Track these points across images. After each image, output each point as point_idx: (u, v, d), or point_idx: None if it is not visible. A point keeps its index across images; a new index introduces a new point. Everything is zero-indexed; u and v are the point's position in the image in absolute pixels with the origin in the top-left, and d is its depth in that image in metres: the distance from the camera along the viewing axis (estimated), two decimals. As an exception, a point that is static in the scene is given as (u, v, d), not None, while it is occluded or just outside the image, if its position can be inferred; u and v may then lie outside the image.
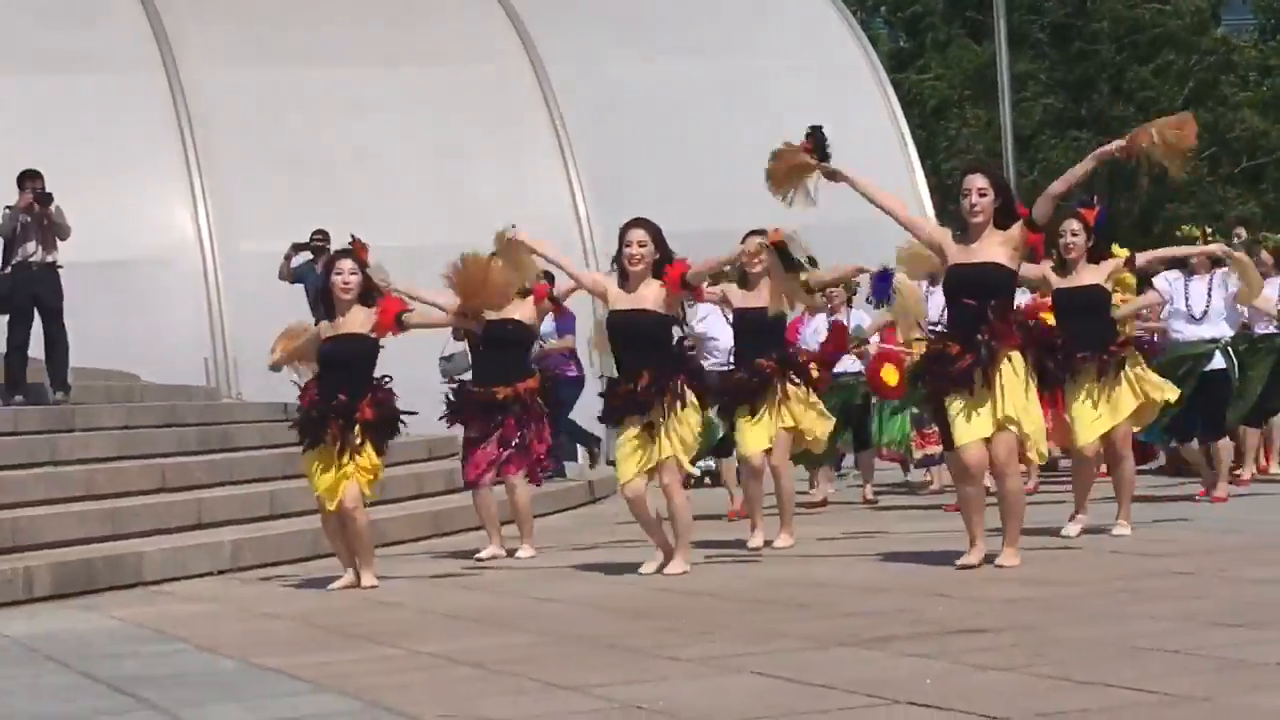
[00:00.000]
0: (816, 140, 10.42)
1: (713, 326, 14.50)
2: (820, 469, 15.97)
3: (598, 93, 24.68)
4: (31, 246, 16.02)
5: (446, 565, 11.95)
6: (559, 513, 16.00)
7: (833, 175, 10.40)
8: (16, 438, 14.01)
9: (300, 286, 18.27)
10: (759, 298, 11.74)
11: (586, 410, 14.71)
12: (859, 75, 26.16)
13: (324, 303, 11.08)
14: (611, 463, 16.29)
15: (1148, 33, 42.02)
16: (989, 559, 9.95)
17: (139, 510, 12.65)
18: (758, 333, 11.84)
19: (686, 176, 23.55)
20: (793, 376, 11.92)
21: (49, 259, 16.11)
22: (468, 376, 12.76)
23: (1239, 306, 14.07)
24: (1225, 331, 14.24)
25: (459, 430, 12.58)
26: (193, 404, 17.44)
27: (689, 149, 24.32)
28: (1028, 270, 11.14)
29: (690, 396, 10.47)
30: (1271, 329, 14.66)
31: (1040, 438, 10.14)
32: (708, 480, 18.35)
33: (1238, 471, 15.21)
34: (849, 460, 17.28)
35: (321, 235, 18.49)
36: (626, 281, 10.61)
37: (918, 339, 11.71)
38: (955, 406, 9.98)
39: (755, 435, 11.87)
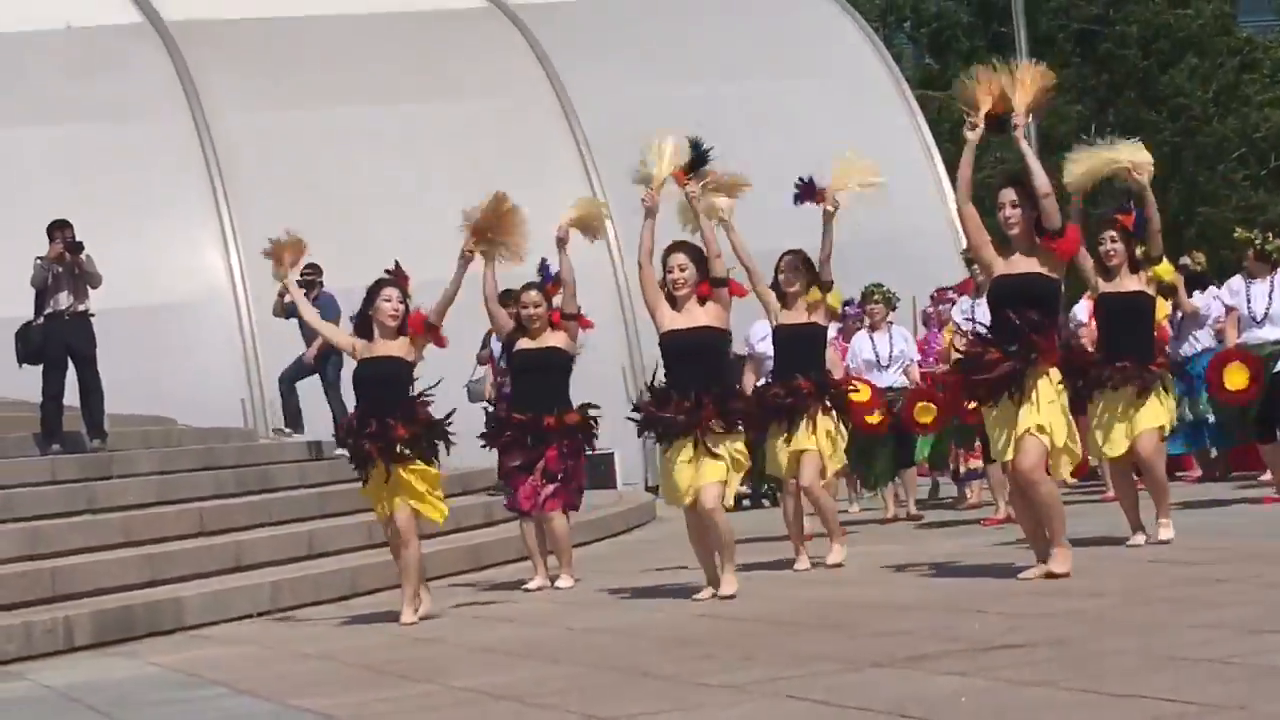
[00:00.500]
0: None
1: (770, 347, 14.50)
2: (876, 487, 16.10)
3: (622, 119, 24.62)
4: (64, 296, 16.09)
5: (483, 598, 11.95)
6: (596, 541, 15.98)
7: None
8: (55, 486, 14.07)
9: (295, 321, 18.42)
10: (797, 314, 11.82)
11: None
12: (883, 92, 26.17)
13: (363, 327, 11.11)
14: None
15: (1172, 36, 41.96)
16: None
17: (177, 555, 12.68)
18: (796, 350, 11.90)
19: (715, 199, 23.52)
20: (827, 402, 11.96)
21: (81, 308, 16.17)
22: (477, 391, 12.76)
23: None
24: None
25: (492, 460, 12.60)
26: (229, 446, 17.48)
27: (716, 169, 24.26)
28: (1084, 265, 11.26)
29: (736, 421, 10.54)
30: None
31: (1060, 457, 10.08)
32: (746, 503, 18.38)
33: None
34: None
35: (312, 269, 18.56)
36: (675, 303, 10.68)
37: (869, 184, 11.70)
38: (990, 420, 10.04)
39: (785, 457, 11.94)
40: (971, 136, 10.42)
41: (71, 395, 16.22)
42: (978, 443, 15.19)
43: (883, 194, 11.64)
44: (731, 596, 10.44)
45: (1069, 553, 10.00)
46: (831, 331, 14.09)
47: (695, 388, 10.47)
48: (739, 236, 11.72)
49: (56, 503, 13.55)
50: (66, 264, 16.02)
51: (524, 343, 12.28)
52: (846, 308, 15.47)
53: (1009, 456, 10.00)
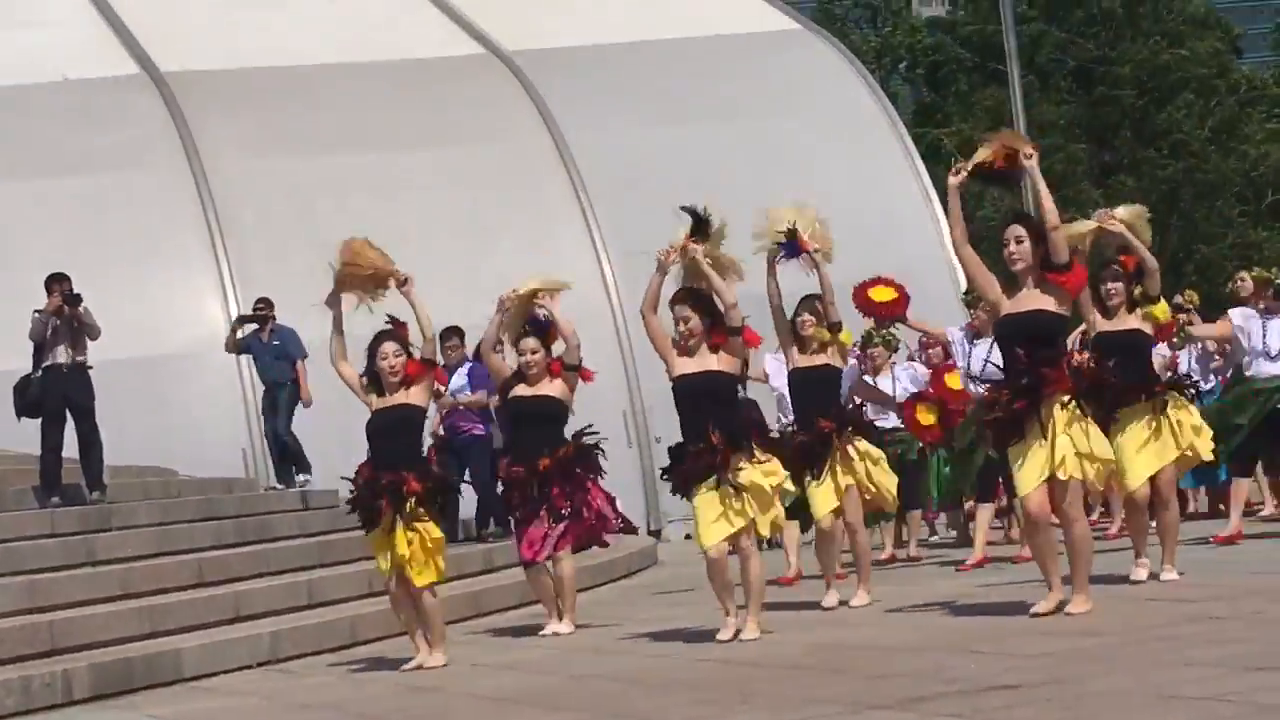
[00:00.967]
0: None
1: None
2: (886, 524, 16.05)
3: (620, 164, 24.74)
4: (62, 349, 16.10)
5: (484, 644, 11.94)
6: (597, 586, 15.96)
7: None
8: (55, 539, 14.08)
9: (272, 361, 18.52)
10: (813, 357, 11.88)
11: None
12: (879, 132, 26.19)
13: (374, 380, 11.10)
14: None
15: (1168, 76, 42.08)
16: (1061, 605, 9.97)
17: (176, 606, 12.66)
18: (815, 392, 11.94)
19: (714, 241, 23.55)
20: (852, 433, 12.00)
21: (79, 360, 16.19)
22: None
23: None
24: None
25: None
26: (229, 497, 17.47)
27: (715, 213, 24.31)
28: (1084, 303, 11.31)
29: (761, 455, 10.57)
30: None
31: (1093, 472, 10.09)
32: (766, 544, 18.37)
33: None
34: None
35: (264, 304, 18.65)
36: (686, 351, 10.74)
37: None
38: (1014, 455, 10.10)
39: (823, 498, 11.97)
40: (953, 181, 10.43)
41: (71, 448, 16.23)
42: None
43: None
44: (755, 639, 10.41)
45: (1089, 595, 9.99)
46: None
47: (709, 427, 10.48)
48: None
49: (56, 555, 13.56)
50: (65, 317, 16.04)
51: (521, 389, 12.28)
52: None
53: (1029, 490, 9.98)
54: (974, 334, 14.46)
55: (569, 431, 12.34)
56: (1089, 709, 6.71)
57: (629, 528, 13.48)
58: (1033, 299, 10.14)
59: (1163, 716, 6.41)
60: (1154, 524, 11.81)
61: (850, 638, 10.40)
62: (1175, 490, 11.91)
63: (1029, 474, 10.00)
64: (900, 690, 7.68)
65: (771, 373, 14.81)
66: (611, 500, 12.51)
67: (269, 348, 18.63)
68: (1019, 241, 10.18)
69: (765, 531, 10.80)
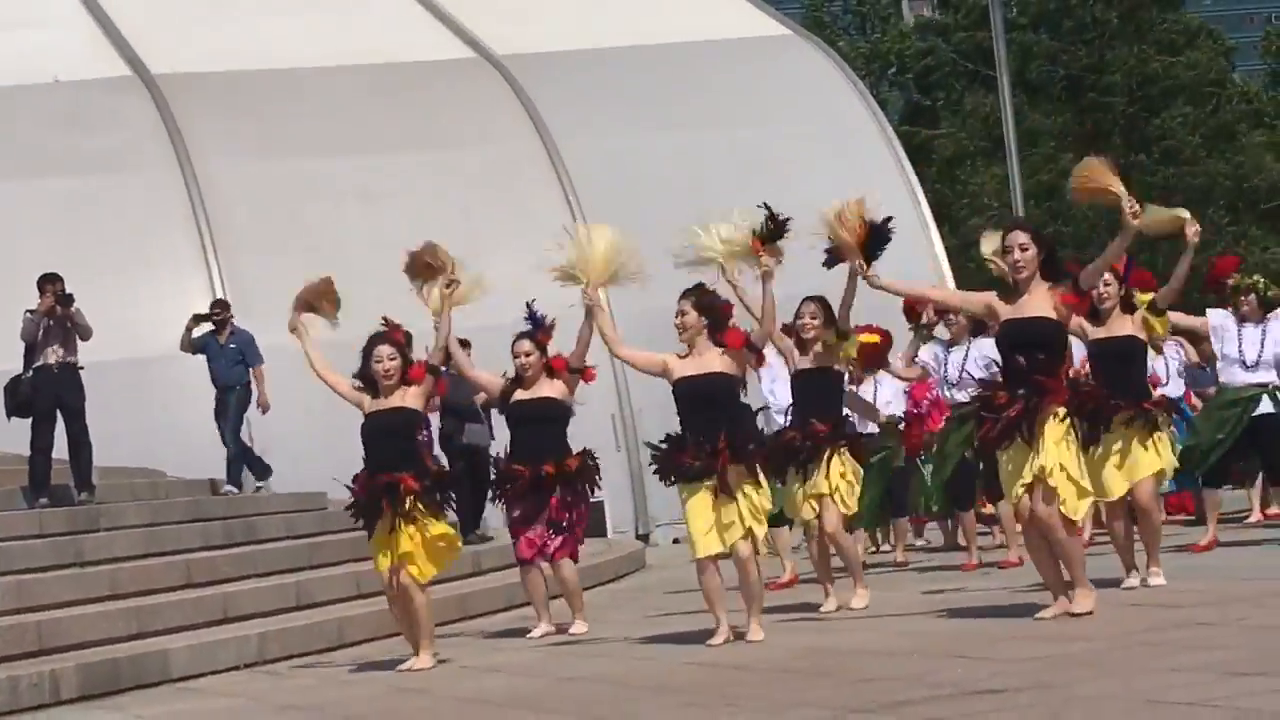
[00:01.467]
0: (873, 232, 10.62)
1: (782, 391, 14.49)
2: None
3: (610, 168, 24.76)
4: (53, 350, 16.10)
5: (471, 647, 11.95)
6: (585, 590, 15.93)
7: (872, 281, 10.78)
8: (42, 540, 14.08)
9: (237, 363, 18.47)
10: (814, 360, 11.85)
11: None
12: (869, 139, 26.22)
13: (368, 383, 11.11)
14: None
15: (1160, 84, 42.14)
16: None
17: (164, 607, 12.67)
18: (814, 394, 11.92)
19: (703, 247, 23.57)
20: (844, 446, 11.98)
21: (70, 360, 16.18)
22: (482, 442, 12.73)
23: None
24: (1274, 378, 14.22)
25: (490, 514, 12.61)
26: (217, 498, 17.48)
27: (704, 219, 24.33)
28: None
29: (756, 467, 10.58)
30: None
31: (1072, 496, 10.10)
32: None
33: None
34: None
35: (221, 307, 18.60)
36: (686, 350, 10.71)
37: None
38: (1003, 461, 10.14)
39: (799, 502, 11.93)
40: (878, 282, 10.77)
41: (61, 449, 16.22)
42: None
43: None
44: (760, 642, 10.41)
45: (1091, 592, 10.04)
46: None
47: (711, 434, 10.46)
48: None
49: (44, 556, 13.56)
50: (57, 317, 16.04)
51: (520, 394, 12.29)
52: None
53: (1019, 497, 10.01)
54: (949, 342, 14.46)
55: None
56: (1074, 714, 6.72)
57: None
58: (1034, 305, 10.13)
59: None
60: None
61: (837, 642, 10.42)
62: (1153, 498, 11.85)
63: (1015, 480, 10.02)
64: (886, 694, 7.70)
65: (763, 376, 14.73)
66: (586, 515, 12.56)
67: (225, 351, 18.53)
68: (1023, 249, 10.18)
69: (762, 535, 10.79)
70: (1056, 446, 9.96)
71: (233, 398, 18.48)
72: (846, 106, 26.62)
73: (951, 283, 24.40)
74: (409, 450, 11.01)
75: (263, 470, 18.64)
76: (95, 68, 24.65)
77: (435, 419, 16.66)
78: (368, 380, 11.06)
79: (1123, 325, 11.54)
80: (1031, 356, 10.03)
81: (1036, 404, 9.96)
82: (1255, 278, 14.93)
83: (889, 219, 10.95)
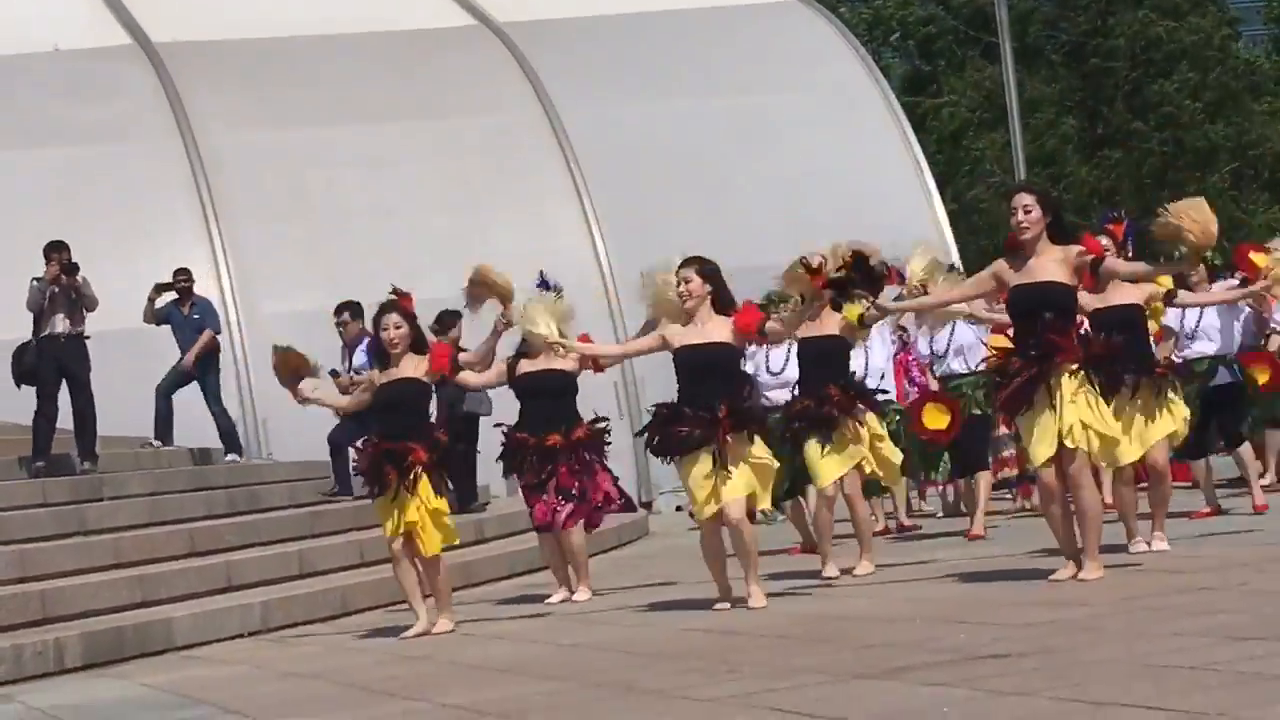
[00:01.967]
0: (857, 258, 10.57)
1: (776, 361, 14.48)
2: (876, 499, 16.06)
3: (612, 136, 24.72)
4: (59, 319, 16.08)
5: (474, 614, 11.97)
6: (593, 555, 15.96)
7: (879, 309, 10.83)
8: (46, 509, 14.10)
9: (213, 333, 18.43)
10: (822, 327, 11.83)
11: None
12: (871, 106, 26.17)
13: (378, 354, 11.14)
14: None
15: (1163, 48, 42.02)
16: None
17: (168, 576, 12.69)
18: (823, 362, 11.92)
19: (706, 214, 23.56)
20: (861, 407, 11.96)
21: (76, 330, 16.17)
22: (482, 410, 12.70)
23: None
24: (1229, 345, 14.15)
25: (484, 480, 12.62)
26: (219, 467, 17.50)
27: (707, 187, 24.37)
28: None
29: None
30: None
31: (1108, 448, 10.16)
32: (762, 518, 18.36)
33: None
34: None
35: (184, 275, 18.52)
36: (686, 318, 10.66)
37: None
38: (1024, 426, 10.14)
39: (829, 466, 11.85)
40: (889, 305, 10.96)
41: (66, 419, 16.20)
42: (1011, 450, 15.28)
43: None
44: (763, 608, 10.42)
45: (1100, 566, 10.06)
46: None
47: (712, 402, 10.42)
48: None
49: (47, 525, 13.58)
50: (63, 286, 16.03)
51: (525, 365, 12.26)
52: None
53: (1043, 460, 10.01)
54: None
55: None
56: (1077, 678, 6.73)
57: (630, 506, 13.51)
58: (1043, 269, 10.10)
59: (1150, 685, 6.44)
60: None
61: (839, 608, 10.43)
62: (1167, 463, 11.88)
63: (1041, 444, 10.02)
64: (888, 660, 7.71)
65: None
66: (615, 481, 12.52)
67: (189, 321, 18.46)
68: (1027, 211, 10.14)
69: (765, 504, 10.81)
70: (1073, 403, 9.96)
71: (212, 365, 18.37)
72: (849, 73, 26.55)
73: (954, 250, 24.39)
74: (419, 422, 11.02)
75: (168, 429, 18.44)
76: (95, 36, 24.60)
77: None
78: (381, 351, 11.09)
79: (1121, 293, 11.52)
80: (1045, 320, 10.02)
81: (1050, 364, 9.96)
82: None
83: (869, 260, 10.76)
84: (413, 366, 10.98)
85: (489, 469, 13.62)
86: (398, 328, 10.99)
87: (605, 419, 12.38)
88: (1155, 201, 12.79)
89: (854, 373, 12.57)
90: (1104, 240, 11.39)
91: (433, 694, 8.29)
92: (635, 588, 12.72)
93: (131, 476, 15.82)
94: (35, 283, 16.16)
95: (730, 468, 10.38)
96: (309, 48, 25.13)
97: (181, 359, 18.43)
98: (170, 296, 18.50)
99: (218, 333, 18.63)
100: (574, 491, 12.15)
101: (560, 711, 7.31)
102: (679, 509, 20.33)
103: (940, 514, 17.54)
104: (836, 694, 7.00)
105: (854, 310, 11.77)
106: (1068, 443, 9.95)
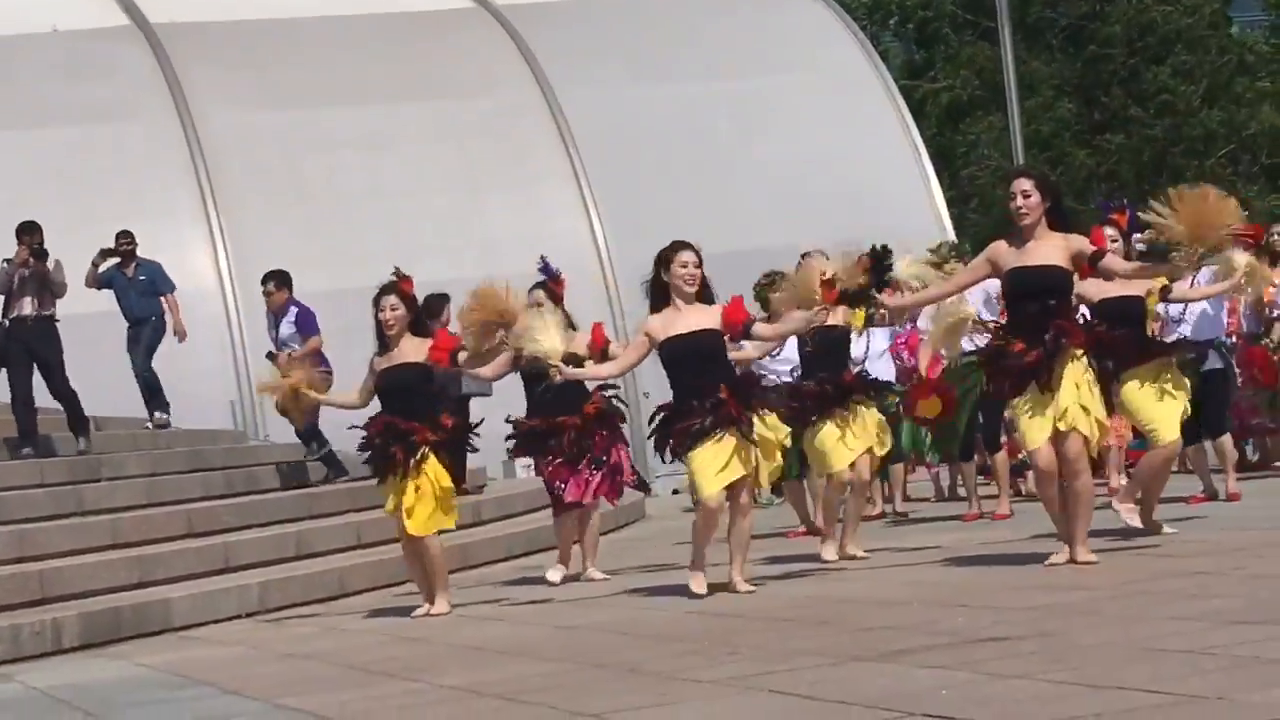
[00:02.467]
0: (876, 262, 10.54)
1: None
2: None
3: (610, 119, 24.74)
4: (28, 301, 15.97)
5: (472, 595, 11.98)
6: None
7: (884, 308, 10.87)
8: (43, 489, 14.12)
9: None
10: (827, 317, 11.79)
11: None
12: (870, 90, 26.19)
13: (377, 335, 11.13)
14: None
15: (1159, 32, 42.00)
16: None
17: (166, 556, 12.71)
18: (829, 349, 11.94)
19: (703, 198, 23.60)
20: (867, 394, 11.97)
21: (45, 312, 16.04)
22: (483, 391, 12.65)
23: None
24: (1216, 331, 14.18)
25: (482, 462, 12.59)
26: (217, 448, 17.50)
27: (704, 171, 24.41)
28: None
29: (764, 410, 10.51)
30: None
31: (1099, 434, 10.16)
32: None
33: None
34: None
35: (127, 238, 18.30)
36: (666, 306, 10.57)
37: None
38: (1023, 410, 10.09)
39: (843, 451, 11.81)
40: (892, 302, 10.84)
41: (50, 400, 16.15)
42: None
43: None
44: (752, 592, 10.42)
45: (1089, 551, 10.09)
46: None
47: (711, 389, 10.30)
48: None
49: (45, 505, 13.60)
50: (33, 269, 15.93)
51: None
52: None
53: (1040, 444, 10.00)
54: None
55: None
56: (1075, 661, 6.75)
57: (643, 485, 13.44)
58: (1042, 253, 10.08)
59: (1148, 668, 6.45)
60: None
61: (838, 591, 10.45)
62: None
63: (1037, 428, 10.01)
64: (887, 643, 7.73)
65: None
66: (629, 455, 12.51)
67: (134, 283, 18.15)
68: (1026, 196, 10.12)
69: (765, 483, 10.81)
70: (1078, 388, 9.97)
71: (146, 330, 18.07)
72: (847, 57, 26.57)
73: (950, 231, 24.40)
74: (423, 405, 11.00)
75: (164, 404, 18.30)
76: (93, 17, 24.62)
77: None
78: (380, 338, 11.08)
79: (1127, 285, 11.46)
80: (1044, 303, 10.01)
81: (1056, 348, 9.96)
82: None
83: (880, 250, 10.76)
84: (414, 349, 10.96)
85: (487, 452, 13.62)
86: (394, 309, 10.98)
87: (615, 387, 12.32)
88: (1155, 186, 12.79)
89: (857, 359, 12.60)
90: (1109, 230, 11.35)
91: (431, 675, 8.31)
92: (632, 570, 12.73)
93: (129, 457, 15.82)
94: (5, 264, 16.08)
95: (753, 442, 10.31)
96: (307, 29, 25.14)
97: (140, 328, 18.09)
98: (114, 261, 18.23)
99: (173, 291, 18.27)
100: (605, 459, 12.11)
101: (558, 692, 7.32)
102: (676, 492, 20.34)
103: (934, 498, 17.54)
104: (835, 676, 7.01)
105: (859, 315, 11.74)
106: (1061, 425, 9.95)
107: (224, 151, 23.45)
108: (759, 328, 10.80)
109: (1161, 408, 11.16)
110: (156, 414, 17.97)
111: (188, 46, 24.38)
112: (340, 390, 11.71)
